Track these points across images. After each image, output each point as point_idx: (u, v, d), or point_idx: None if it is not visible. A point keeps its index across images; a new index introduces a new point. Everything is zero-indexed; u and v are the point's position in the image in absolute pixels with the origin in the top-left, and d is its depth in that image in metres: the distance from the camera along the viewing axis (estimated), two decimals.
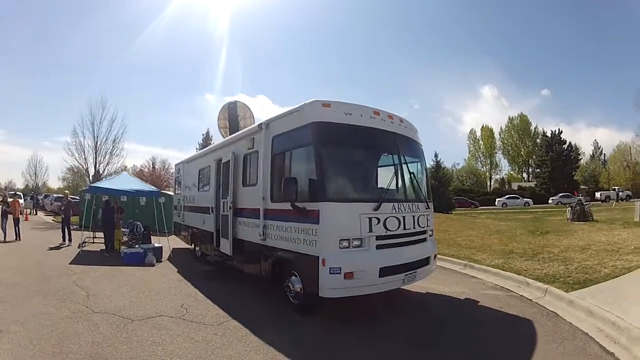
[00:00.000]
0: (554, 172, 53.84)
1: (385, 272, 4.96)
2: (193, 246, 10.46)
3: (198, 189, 9.98)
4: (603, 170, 55.34)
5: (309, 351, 4.12)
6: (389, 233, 5.12)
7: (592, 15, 79.01)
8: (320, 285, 4.70)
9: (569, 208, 18.46)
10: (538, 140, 63.52)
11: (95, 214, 11.26)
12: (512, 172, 68.51)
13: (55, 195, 33.60)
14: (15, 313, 4.97)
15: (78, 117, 43.46)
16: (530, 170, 67.37)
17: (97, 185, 10.78)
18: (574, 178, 53.58)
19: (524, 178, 66.63)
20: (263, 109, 72.76)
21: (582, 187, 49.10)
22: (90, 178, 31.74)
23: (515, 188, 54.47)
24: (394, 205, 5.25)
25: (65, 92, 76.59)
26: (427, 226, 5.91)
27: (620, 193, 40.90)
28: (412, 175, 5.85)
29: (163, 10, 79.30)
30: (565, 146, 56.06)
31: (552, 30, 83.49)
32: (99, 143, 33.95)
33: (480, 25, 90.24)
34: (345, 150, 5.58)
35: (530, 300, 6.05)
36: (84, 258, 9.53)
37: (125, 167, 38.23)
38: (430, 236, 6.07)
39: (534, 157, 63.42)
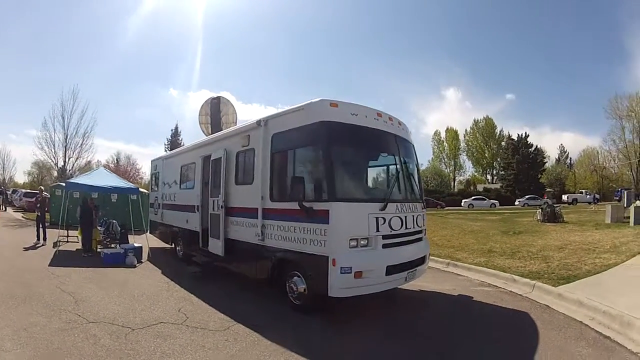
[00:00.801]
0: (520, 175, 57.14)
1: (391, 270, 5.15)
2: (173, 246, 10.25)
3: (180, 187, 9.76)
4: (570, 173, 59.23)
5: (328, 352, 4.17)
6: (393, 232, 5.32)
7: (557, 21, 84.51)
8: (329, 285, 4.77)
9: (539, 210, 19.69)
10: (503, 143, 67.16)
11: (71, 212, 10.70)
12: (476, 174, 71.77)
13: (24, 191, 31.80)
14: (4, 326, 4.60)
15: (49, 109, 41.57)
16: (494, 172, 71.10)
17: (75, 182, 10.15)
18: (540, 181, 57.08)
19: (488, 180, 70.09)
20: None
21: (548, 189, 52.33)
22: (60, 173, 30.58)
23: (481, 189, 57.10)
24: (397, 206, 5.45)
25: (30, 84, 72.05)
26: (423, 225, 6.19)
27: (588, 196, 44.09)
28: (411, 175, 6.12)
29: (135, 3, 77.18)
30: (531, 149, 59.74)
31: (517, 34, 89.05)
32: (69, 136, 32.80)
33: (445, 29, 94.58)
34: (352, 151, 5.73)
35: (520, 295, 6.47)
36: (63, 259, 9.10)
37: (90, 162, 37.02)
38: (424, 235, 6.36)
39: (499, 159, 67.07)
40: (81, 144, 33.37)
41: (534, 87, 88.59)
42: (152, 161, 12.45)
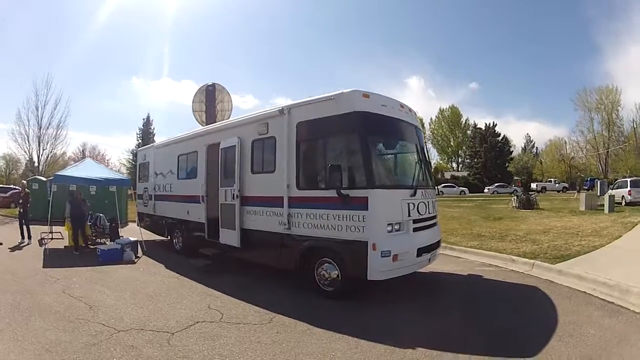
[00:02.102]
0: (488, 163, 60.95)
1: (420, 252, 5.79)
2: (169, 238, 10.32)
3: (178, 177, 9.80)
4: (537, 162, 63.66)
5: (381, 334, 4.40)
6: (420, 217, 5.95)
7: (524, 11, 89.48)
8: (369, 269, 5.23)
9: (515, 197, 21.40)
10: (469, 132, 71.10)
11: (56, 206, 10.40)
12: (441, 162, 75.20)
13: None
14: (21, 350, 4.01)
15: (23, 99, 40.15)
16: (459, 160, 75.34)
17: (64, 174, 9.78)
18: (508, 169, 61.11)
19: (453, 168, 74.17)
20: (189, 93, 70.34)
21: (515, 177, 56.18)
22: (30, 167, 29.50)
23: (449, 177, 60.33)
24: (422, 192, 6.09)
25: None
26: (436, 211, 6.88)
27: (557, 185, 48.09)
28: (428, 163, 6.82)
29: None
30: (499, 138, 63.59)
31: (481, 23, 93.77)
32: (42, 127, 31.87)
33: (407, 17, 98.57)
34: (383, 140, 6.27)
35: (522, 273, 7.40)
36: (55, 259, 8.83)
37: (63, 154, 35.67)
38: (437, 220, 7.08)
39: (464, 147, 70.92)
40: (55, 136, 32.52)
41: (499, 76, 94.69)
42: (138, 150, 12.31)
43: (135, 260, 8.90)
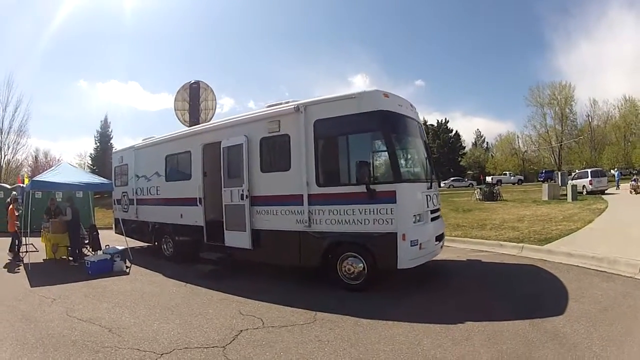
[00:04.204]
0: (441, 158, 65.11)
1: (437, 239, 6.75)
2: (156, 244, 10.38)
3: (167, 179, 9.86)
4: (489, 156, 69.02)
5: (424, 315, 5.03)
6: (433, 208, 6.90)
7: (470, 7, 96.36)
8: (399, 259, 5.92)
9: (478, 189, 23.62)
10: None
11: (35, 215, 10.04)
12: None
13: None
14: None
15: None
16: None
17: (42, 180, 9.49)
18: (460, 164, 65.77)
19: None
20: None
21: (468, 172, 60.72)
22: None
23: None
24: (433, 185, 7.09)
25: None
26: (440, 203, 7.90)
27: (512, 177, 53.20)
28: (432, 158, 7.83)
29: None
30: (451, 134, 68.15)
31: (425, 22, 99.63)
32: (3, 132, 29.98)
33: (352, 15, 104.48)
34: (402, 137, 7.01)
35: (515, 255, 8.70)
36: (40, 275, 8.46)
37: (17, 159, 33.39)
38: None
39: None
40: (16, 139, 30.86)
41: (444, 73, 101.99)
42: (114, 152, 11.99)
43: (127, 271, 8.83)
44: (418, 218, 6.31)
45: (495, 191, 22.31)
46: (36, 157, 50.00)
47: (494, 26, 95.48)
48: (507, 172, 57.36)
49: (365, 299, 5.93)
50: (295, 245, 6.93)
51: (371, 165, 6.28)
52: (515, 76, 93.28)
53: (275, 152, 7.49)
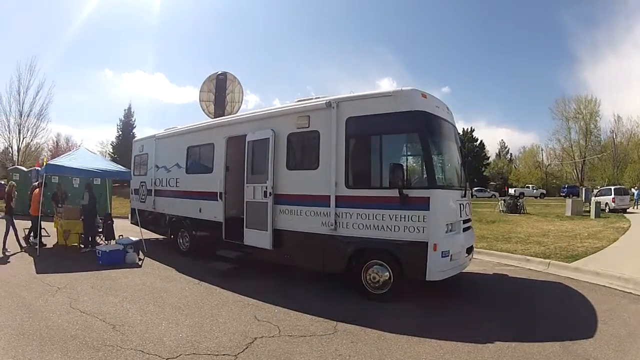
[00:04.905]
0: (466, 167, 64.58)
1: (467, 251, 6.65)
2: (172, 237, 10.48)
3: (187, 171, 9.95)
4: (513, 168, 68.37)
5: (451, 332, 4.91)
6: (465, 217, 6.81)
7: (499, 17, 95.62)
8: (428, 270, 5.72)
9: (502, 201, 23.45)
10: None
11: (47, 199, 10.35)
12: None
13: None
14: None
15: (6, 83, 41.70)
16: None
17: (57, 164, 9.67)
18: (484, 174, 65.16)
19: None
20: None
21: (491, 182, 60.17)
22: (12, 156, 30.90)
23: None
24: (466, 193, 6.99)
25: None
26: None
27: (535, 191, 52.96)
28: (467, 165, 7.71)
29: None
30: (476, 144, 67.84)
31: (456, 27, 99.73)
32: (23, 115, 31.37)
33: (380, 19, 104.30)
34: (439, 140, 6.73)
35: (541, 271, 8.63)
36: (47, 262, 8.53)
37: (37, 143, 34.90)
38: None
39: None
40: (36, 122, 32.26)
41: (470, 82, 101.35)
42: (135, 141, 12.22)
43: (140, 263, 8.82)
44: (450, 227, 6.16)
45: (519, 204, 22.13)
46: (57, 143, 51.21)
47: (520, 35, 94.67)
48: (530, 185, 56.86)
49: (390, 310, 5.78)
50: (318, 248, 6.80)
51: (405, 169, 6.13)
52: (540, 88, 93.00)
53: (303, 149, 7.40)
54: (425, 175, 6.07)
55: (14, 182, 12.05)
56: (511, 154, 76.64)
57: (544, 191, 54.35)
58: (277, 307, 5.85)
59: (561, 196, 44.14)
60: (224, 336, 4.72)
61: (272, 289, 6.89)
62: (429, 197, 5.85)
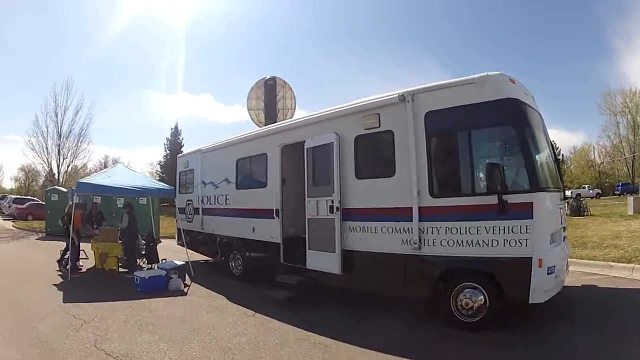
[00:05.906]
0: None
1: (567, 265, 5.91)
2: (223, 260, 10.07)
3: (237, 186, 9.52)
4: (566, 169, 67.07)
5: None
6: (564, 225, 6.05)
7: (536, 15, 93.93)
8: (532, 290, 4.94)
9: (566, 204, 22.96)
10: None
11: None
12: None
13: (13, 197, 34.86)
14: None
15: (41, 104, 43.32)
16: None
17: (90, 182, 9.44)
18: None
19: None
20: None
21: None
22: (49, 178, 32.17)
23: None
24: (564, 196, 6.22)
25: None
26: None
27: (591, 191, 51.41)
28: (559, 161, 6.89)
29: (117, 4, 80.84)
30: None
31: (493, 28, 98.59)
32: (62, 135, 32.79)
33: (418, 24, 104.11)
34: (535, 133, 5.83)
35: (626, 278, 8.14)
36: (78, 288, 8.19)
37: (76, 165, 37.81)
38: None
39: None
40: (76, 143, 33.42)
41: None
42: (179, 157, 12.02)
43: (185, 290, 8.24)
44: (553, 238, 5.42)
45: (582, 206, 21.38)
46: (105, 164, 52.86)
47: (561, 31, 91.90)
48: (586, 186, 55.66)
49: (487, 342, 5.06)
50: (398, 271, 6.03)
51: (502, 169, 5.20)
52: (583, 84, 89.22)
53: (374, 153, 6.72)
54: (525, 176, 5.25)
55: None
56: (563, 155, 75.34)
57: (600, 191, 52.80)
58: (351, 346, 5.05)
59: (615, 194, 42.50)
60: None
61: (344, 322, 6.11)
62: (532, 203, 5.07)
